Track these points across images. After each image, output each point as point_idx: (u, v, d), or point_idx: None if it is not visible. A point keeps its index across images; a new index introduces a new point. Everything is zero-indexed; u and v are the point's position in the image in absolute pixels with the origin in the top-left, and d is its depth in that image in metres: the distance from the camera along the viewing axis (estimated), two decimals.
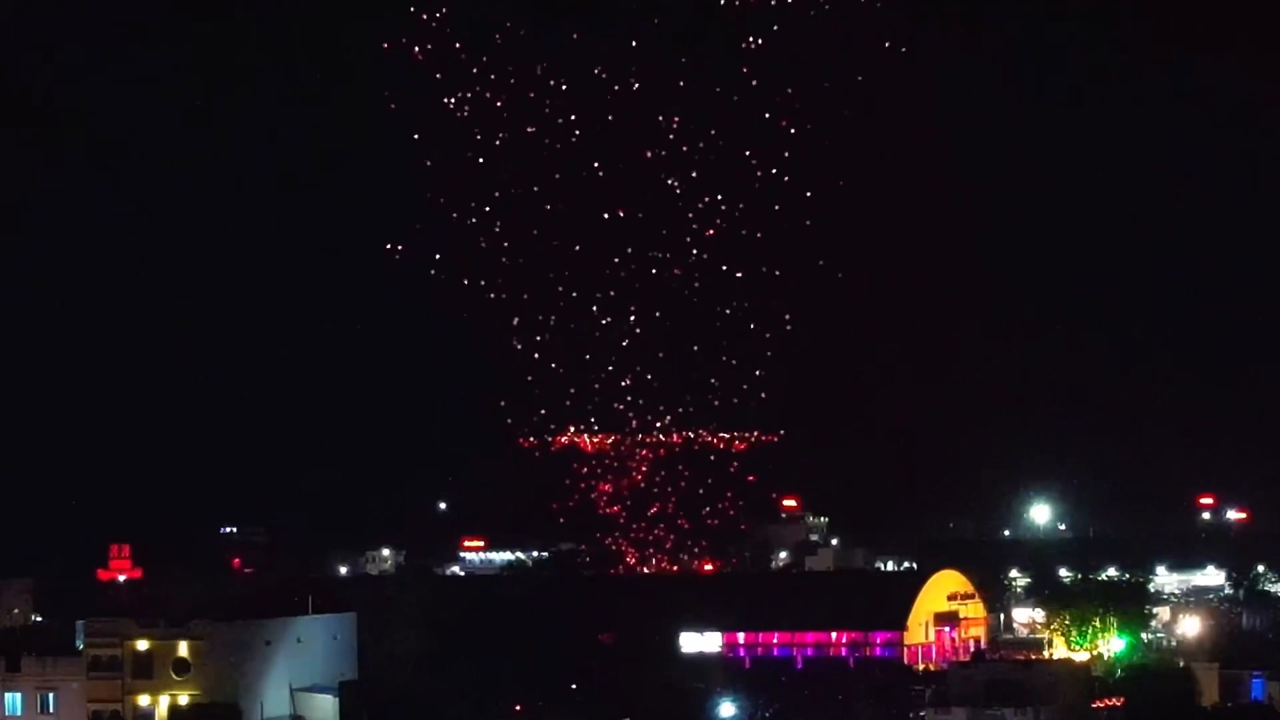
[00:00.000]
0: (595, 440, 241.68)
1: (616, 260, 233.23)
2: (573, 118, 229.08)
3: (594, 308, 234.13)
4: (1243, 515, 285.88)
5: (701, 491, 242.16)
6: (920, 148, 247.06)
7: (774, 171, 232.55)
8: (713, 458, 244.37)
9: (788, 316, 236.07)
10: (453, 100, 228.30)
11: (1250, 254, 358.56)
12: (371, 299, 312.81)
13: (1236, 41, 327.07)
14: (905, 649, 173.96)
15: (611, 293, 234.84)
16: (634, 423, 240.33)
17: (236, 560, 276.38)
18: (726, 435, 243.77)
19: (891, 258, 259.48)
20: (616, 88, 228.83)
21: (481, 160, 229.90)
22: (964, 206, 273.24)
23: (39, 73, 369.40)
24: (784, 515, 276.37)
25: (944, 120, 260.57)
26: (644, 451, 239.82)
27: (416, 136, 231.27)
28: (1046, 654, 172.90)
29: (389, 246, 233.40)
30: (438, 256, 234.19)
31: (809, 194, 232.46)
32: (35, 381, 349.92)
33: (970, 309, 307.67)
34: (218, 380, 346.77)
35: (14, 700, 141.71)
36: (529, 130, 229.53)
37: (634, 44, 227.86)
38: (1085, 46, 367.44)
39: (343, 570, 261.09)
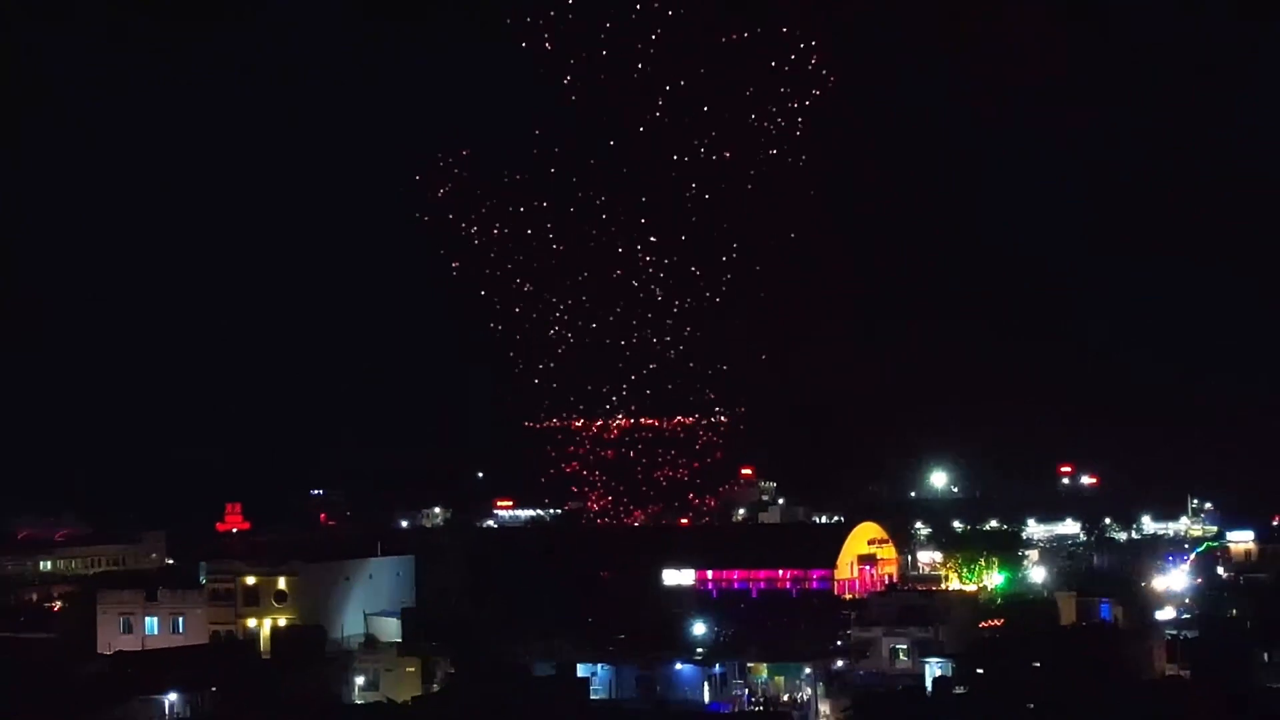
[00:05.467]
0: (587, 423, 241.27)
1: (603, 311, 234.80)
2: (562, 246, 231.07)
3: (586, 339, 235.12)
4: (1094, 480, 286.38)
5: (696, 465, 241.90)
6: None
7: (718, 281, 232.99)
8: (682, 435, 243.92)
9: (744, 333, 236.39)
10: (468, 229, 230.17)
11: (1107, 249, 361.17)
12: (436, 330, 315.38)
13: None
14: (836, 583, 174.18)
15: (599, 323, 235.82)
16: (621, 411, 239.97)
17: (323, 515, 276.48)
18: (696, 417, 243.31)
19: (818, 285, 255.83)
20: (604, 215, 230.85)
21: (488, 271, 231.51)
22: (845, 220, 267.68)
23: None
24: (742, 480, 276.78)
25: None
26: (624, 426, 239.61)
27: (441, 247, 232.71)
28: (944, 586, 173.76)
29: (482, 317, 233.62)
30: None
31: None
32: (165, 377, 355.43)
33: (886, 317, 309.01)
34: (311, 381, 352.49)
35: (152, 623, 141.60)
36: (524, 257, 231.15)
37: (603, 199, 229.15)
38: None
39: (404, 523, 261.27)
